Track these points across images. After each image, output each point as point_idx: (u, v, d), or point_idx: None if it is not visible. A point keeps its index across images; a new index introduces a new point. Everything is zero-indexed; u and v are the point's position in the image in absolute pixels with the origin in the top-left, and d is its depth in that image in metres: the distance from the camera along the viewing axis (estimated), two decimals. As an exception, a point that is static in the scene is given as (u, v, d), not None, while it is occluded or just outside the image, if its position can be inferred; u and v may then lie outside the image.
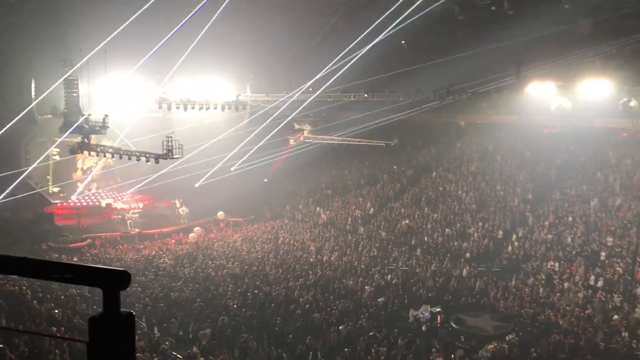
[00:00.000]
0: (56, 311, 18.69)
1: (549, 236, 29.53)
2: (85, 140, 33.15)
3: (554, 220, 30.96)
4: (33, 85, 35.51)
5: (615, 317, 21.40)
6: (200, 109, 38.08)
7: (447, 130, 44.39)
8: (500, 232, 31.57)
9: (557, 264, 26.75)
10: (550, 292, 24.43)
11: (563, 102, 33.22)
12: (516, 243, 29.94)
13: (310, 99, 37.21)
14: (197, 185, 41.30)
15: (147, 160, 32.20)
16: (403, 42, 42.43)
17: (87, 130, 33.05)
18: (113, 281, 2.07)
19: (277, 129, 40.32)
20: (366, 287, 26.08)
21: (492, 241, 30.97)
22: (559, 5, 32.07)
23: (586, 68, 31.97)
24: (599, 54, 31.67)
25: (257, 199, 43.40)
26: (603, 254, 26.63)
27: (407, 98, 34.51)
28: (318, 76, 34.72)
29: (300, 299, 24.28)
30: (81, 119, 33.21)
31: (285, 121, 39.90)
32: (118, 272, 2.08)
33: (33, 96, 35.35)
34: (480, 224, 32.71)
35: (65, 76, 33.41)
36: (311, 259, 30.98)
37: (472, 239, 31.54)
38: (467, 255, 30.16)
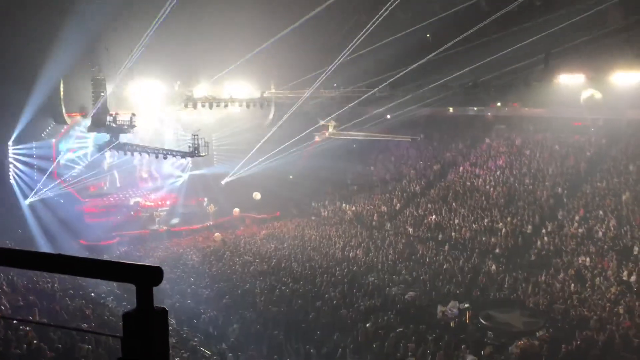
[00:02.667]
0: (86, 311, 18.97)
1: (580, 230, 29.04)
2: (113, 139, 33.63)
3: (585, 214, 30.42)
4: (62, 85, 36.08)
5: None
6: (226, 106, 38.34)
7: (474, 124, 43.92)
8: (530, 227, 31.13)
9: (588, 259, 26.27)
10: (581, 287, 24.00)
11: (593, 94, 32.59)
12: (546, 238, 29.49)
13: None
14: (223, 182, 41.67)
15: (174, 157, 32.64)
16: (428, 35, 42.07)
17: (115, 129, 33.51)
18: (146, 277, 2.07)
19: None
20: (393, 284, 25.98)
21: (521, 236, 30.57)
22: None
23: (617, 59, 31.27)
24: (630, 44, 30.95)
25: (283, 196, 43.54)
26: (636, 248, 26.07)
27: (433, 92, 34.22)
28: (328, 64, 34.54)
29: (327, 296, 24.29)
30: (109, 118, 33.72)
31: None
32: (151, 268, 2.08)
33: (62, 96, 35.91)
34: (508, 218, 32.31)
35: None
36: (338, 255, 30.96)
37: (500, 234, 31.18)
38: (496, 250, 29.85)
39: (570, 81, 32.34)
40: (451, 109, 43.59)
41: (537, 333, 20.38)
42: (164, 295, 23.90)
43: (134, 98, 37.80)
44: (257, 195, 41.95)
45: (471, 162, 40.32)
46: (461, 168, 40.24)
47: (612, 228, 28.20)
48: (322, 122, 43.83)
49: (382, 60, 35.01)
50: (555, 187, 33.99)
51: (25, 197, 35.35)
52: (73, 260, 2.06)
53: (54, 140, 37.99)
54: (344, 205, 41.67)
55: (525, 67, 31.10)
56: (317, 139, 44.54)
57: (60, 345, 14.00)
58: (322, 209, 42.62)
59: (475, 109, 42.18)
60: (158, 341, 2.10)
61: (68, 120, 37.35)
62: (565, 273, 25.47)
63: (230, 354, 18.69)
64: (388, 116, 43.77)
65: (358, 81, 37.76)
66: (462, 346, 19.14)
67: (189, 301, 24.02)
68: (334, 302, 23.50)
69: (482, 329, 21.38)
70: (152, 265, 2.09)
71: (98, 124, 34.07)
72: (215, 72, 37.55)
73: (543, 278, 25.41)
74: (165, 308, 2.14)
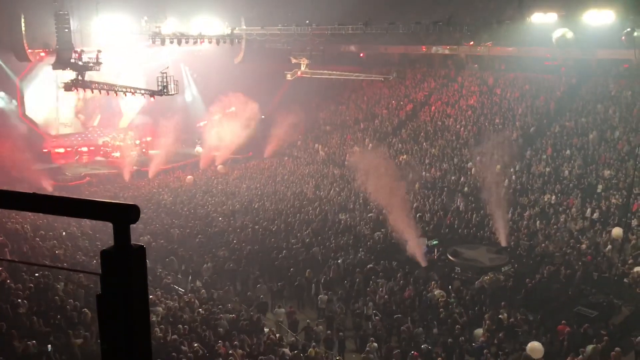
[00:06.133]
0: (58, 252, 18.90)
1: (547, 169, 29.64)
2: (80, 77, 32.63)
3: (552, 153, 30.99)
4: (23, 20, 34.60)
5: (609, 247, 21.78)
6: (195, 43, 37.33)
7: (446, 63, 43.77)
8: (498, 166, 31.61)
9: (553, 197, 26.97)
10: (546, 224, 24.73)
11: (565, 33, 32.54)
12: (513, 176, 30.05)
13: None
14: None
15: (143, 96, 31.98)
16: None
17: (80, 66, 32.47)
18: (123, 215, 2.07)
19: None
20: (363, 222, 26.41)
21: (489, 175, 31.06)
22: None
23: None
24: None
25: (256, 136, 43.23)
26: (600, 186, 26.80)
27: (406, 30, 33.78)
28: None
29: (299, 234, 24.63)
30: (74, 55, 32.60)
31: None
32: (128, 206, 2.08)
33: (23, 32, 34.51)
34: (478, 158, 32.72)
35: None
36: (310, 195, 31.20)
37: (469, 173, 31.65)
38: (465, 189, 30.38)
39: (542, 20, 32.21)
40: (424, 48, 43.25)
41: (502, 268, 21.09)
42: (137, 234, 23.93)
43: (99, 34, 36.55)
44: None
45: (443, 102, 40.41)
46: (433, 108, 40.33)
47: (577, 167, 28.87)
48: (294, 60, 43.14)
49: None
50: (525, 126, 34.41)
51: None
52: (49, 199, 2.05)
53: (17, 78, 36.82)
54: (316, 145, 41.65)
55: (498, 4, 30.81)
56: (288, 77, 43.92)
57: (32, 285, 14.03)
58: (295, 149, 42.57)
59: (448, 47, 41.90)
60: (137, 277, 2.14)
61: (31, 57, 36.08)
62: (532, 211, 26.16)
63: (203, 291, 18.98)
64: (361, 54, 43.25)
65: (331, 18, 37.01)
66: (432, 282, 19.77)
67: (161, 240, 24.12)
68: (306, 240, 23.87)
69: (450, 265, 22.02)
70: (129, 203, 2.10)
71: (63, 62, 32.91)
72: (184, 7, 36.39)
73: (509, 216, 26.07)
74: (142, 245, 2.17)
